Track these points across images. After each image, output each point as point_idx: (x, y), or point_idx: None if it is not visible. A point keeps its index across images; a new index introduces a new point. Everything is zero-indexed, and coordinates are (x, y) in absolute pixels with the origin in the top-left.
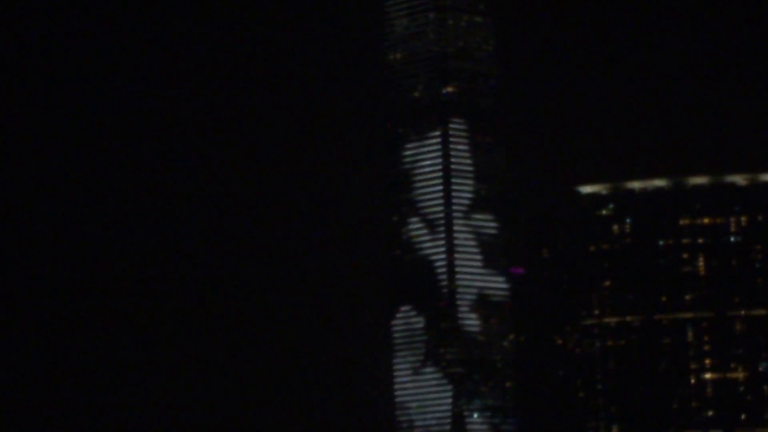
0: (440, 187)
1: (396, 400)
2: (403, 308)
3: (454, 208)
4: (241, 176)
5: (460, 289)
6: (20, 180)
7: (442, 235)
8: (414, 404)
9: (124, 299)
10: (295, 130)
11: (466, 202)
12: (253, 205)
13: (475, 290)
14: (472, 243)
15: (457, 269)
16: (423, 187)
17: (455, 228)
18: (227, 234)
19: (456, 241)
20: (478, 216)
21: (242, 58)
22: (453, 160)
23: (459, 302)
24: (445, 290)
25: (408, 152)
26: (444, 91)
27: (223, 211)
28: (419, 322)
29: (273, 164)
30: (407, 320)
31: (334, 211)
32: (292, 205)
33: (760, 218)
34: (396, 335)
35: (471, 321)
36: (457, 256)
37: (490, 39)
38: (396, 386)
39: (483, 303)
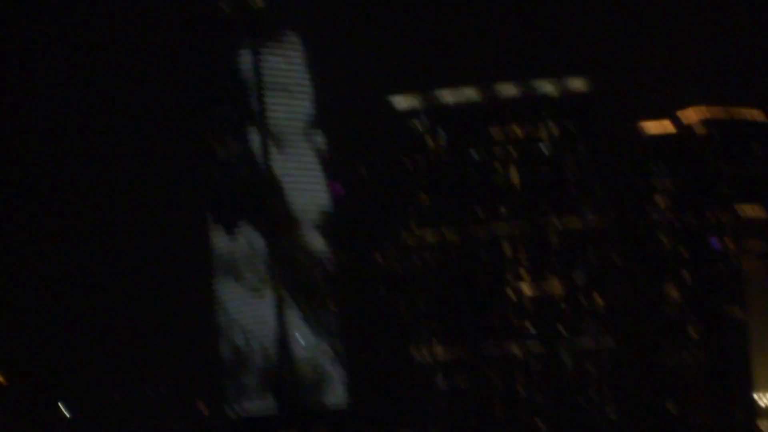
0: (254, 106)
1: (222, 327)
2: (222, 233)
3: (270, 125)
4: None
5: (278, 211)
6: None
7: (261, 154)
8: (239, 329)
9: None
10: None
11: (282, 118)
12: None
13: (294, 211)
14: (290, 162)
15: (274, 190)
16: (236, 105)
17: (272, 147)
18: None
19: (274, 162)
20: (294, 133)
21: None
22: (265, 76)
23: (280, 224)
24: (263, 212)
25: (219, 69)
26: (252, 6)
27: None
28: (238, 246)
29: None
30: (226, 245)
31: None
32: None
33: (570, 127)
34: (217, 260)
35: (293, 242)
36: (274, 174)
37: None
38: (222, 313)
39: (303, 224)
